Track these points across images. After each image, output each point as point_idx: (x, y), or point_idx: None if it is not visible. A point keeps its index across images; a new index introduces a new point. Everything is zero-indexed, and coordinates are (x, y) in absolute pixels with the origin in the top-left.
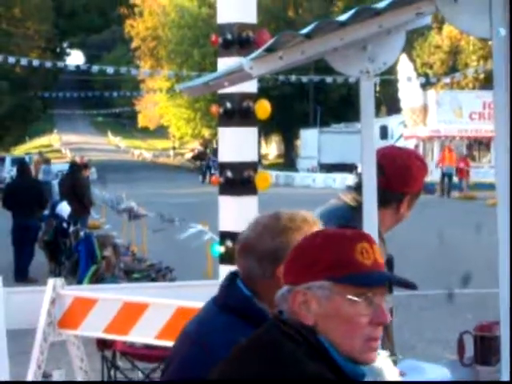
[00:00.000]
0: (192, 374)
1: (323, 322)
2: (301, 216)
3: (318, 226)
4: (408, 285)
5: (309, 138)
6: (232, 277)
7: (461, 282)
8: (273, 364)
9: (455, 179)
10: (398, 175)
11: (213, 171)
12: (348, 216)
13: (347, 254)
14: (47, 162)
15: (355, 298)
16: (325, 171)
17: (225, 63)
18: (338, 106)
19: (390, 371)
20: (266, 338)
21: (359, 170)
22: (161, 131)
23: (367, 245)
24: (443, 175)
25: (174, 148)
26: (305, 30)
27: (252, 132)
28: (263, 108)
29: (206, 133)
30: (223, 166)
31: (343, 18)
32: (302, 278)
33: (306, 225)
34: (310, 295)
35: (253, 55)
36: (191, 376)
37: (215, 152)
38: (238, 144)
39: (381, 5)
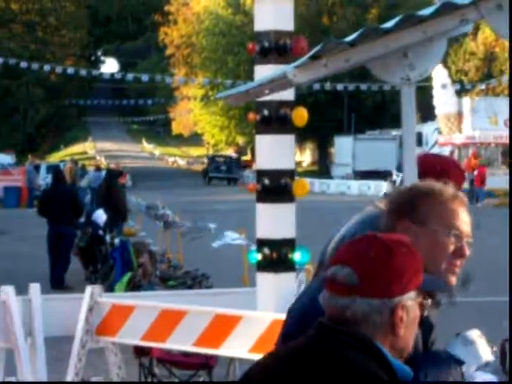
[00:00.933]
0: (292, 334)
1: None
2: (439, 185)
3: (456, 200)
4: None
5: (343, 145)
6: None
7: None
8: (340, 372)
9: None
10: (439, 182)
11: (211, 174)
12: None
13: (420, 264)
14: (98, 168)
15: (422, 301)
16: (359, 178)
17: (262, 71)
18: (373, 113)
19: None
20: (324, 347)
21: (394, 177)
22: (195, 138)
23: None
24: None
25: (207, 155)
26: (349, 38)
27: (289, 139)
28: (300, 115)
29: (241, 140)
30: (260, 174)
31: (388, 25)
32: (405, 289)
33: (438, 194)
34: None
35: (297, 63)
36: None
37: (213, 157)
38: (275, 151)
39: (425, 12)
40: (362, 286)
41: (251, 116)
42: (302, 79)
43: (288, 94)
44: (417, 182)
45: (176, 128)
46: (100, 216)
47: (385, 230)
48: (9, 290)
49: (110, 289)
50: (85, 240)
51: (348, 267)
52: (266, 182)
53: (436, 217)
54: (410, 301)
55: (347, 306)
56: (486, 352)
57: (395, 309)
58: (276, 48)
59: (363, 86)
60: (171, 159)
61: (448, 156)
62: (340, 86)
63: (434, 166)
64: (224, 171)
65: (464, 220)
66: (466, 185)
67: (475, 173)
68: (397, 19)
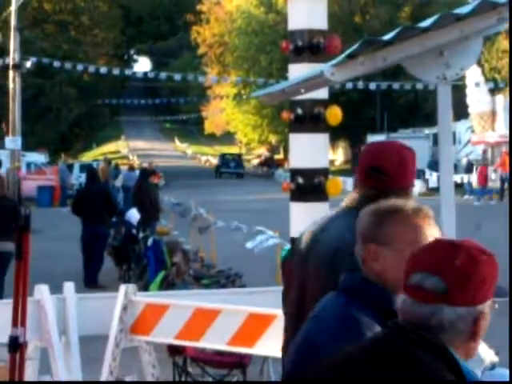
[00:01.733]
0: (309, 346)
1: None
2: (400, 203)
3: (421, 216)
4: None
5: None
6: (352, 267)
7: None
8: (411, 372)
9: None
10: (400, 172)
11: (222, 170)
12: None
13: (496, 272)
14: (131, 168)
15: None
16: None
17: (296, 69)
18: (405, 112)
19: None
20: (400, 347)
21: (427, 175)
22: (227, 137)
23: None
24: (502, 180)
25: (240, 154)
26: (387, 37)
27: (323, 138)
28: (334, 114)
29: (273, 139)
30: (294, 173)
31: (425, 24)
32: (481, 298)
33: (401, 212)
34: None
35: (334, 61)
36: (308, 349)
37: (223, 155)
38: (309, 150)
39: (462, 10)
40: (450, 294)
41: (285, 115)
42: (339, 77)
43: (322, 93)
44: (379, 203)
45: (208, 127)
46: (133, 215)
47: (361, 263)
48: (43, 289)
49: (145, 288)
50: (118, 239)
51: (436, 276)
52: (300, 181)
53: (400, 235)
54: (488, 308)
55: (433, 313)
56: (488, 354)
57: (478, 317)
58: (310, 47)
59: (396, 85)
60: (204, 158)
61: (391, 141)
62: (373, 85)
63: (389, 157)
64: (232, 167)
65: (430, 234)
66: (497, 183)
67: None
68: (434, 18)
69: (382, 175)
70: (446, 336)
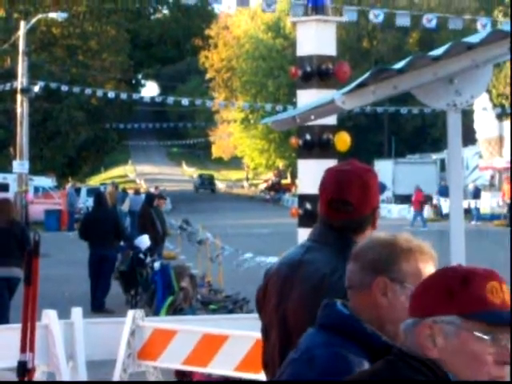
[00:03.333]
0: None
1: (448, 357)
2: (416, 242)
3: (432, 258)
4: None
5: (383, 169)
6: (329, 301)
7: None
8: None
9: None
10: (364, 199)
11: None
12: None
13: (478, 292)
14: (137, 192)
15: (484, 336)
16: (399, 202)
17: (304, 95)
18: (413, 137)
19: None
20: (394, 373)
21: (434, 201)
22: (235, 162)
23: (497, 284)
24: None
25: (247, 179)
26: (398, 65)
27: (331, 164)
28: (343, 140)
29: (281, 163)
30: (302, 199)
31: (436, 52)
32: (430, 311)
33: (418, 251)
34: (437, 329)
35: (345, 90)
36: None
37: (200, 175)
38: (317, 176)
39: (474, 39)
40: None
41: (293, 141)
42: (350, 105)
43: (330, 119)
44: (392, 235)
45: (216, 151)
46: (144, 241)
47: (360, 288)
48: (51, 314)
49: (154, 315)
50: (126, 264)
51: None
52: (308, 206)
53: (413, 275)
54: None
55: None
56: None
57: None
58: (318, 72)
59: (403, 110)
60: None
61: (349, 164)
62: (380, 109)
63: (350, 186)
64: (207, 184)
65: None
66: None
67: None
68: (445, 47)
69: (347, 206)
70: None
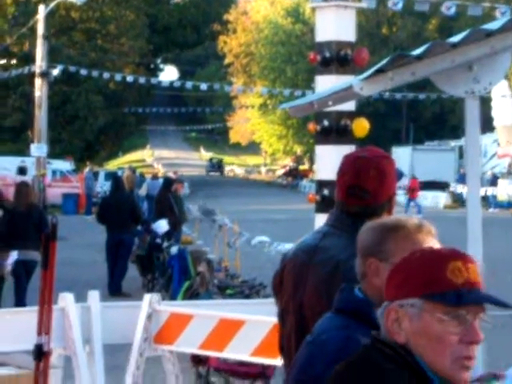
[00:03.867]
0: (312, 371)
1: (414, 340)
2: (405, 219)
3: (424, 233)
4: (503, 304)
5: (401, 156)
6: (346, 286)
7: None
8: None
9: None
10: (380, 186)
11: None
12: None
13: (438, 273)
14: (155, 176)
15: (443, 317)
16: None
17: (323, 81)
18: (431, 124)
19: None
20: (366, 359)
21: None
22: (252, 147)
23: (461, 264)
24: None
25: (265, 164)
26: (416, 52)
27: (349, 150)
28: (361, 126)
29: (298, 149)
30: (320, 184)
31: (454, 39)
32: (396, 295)
33: (405, 228)
34: (402, 313)
35: (363, 76)
36: (311, 373)
37: (211, 159)
38: (334, 162)
39: (492, 26)
40: None
41: (311, 127)
42: (368, 91)
43: (349, 105)
44: (383, 219)
45: (234, 137)
46: (162, 226)
47: (360, 275)
48: (68, 297)
49: (172, 299)
50: (143, 248)
51: None
52: (326, 192)
53: (402, 251)
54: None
55: None
56: None
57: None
58: (337, 58)
59: (422, 96)
60: (228, 168)
61: (366, 151)
62: (399, 96)
63: (367, 173)
64: (216, 168)
65: None
66: None
67: None
68: (464, 33)
69: (363, 193)
70: None
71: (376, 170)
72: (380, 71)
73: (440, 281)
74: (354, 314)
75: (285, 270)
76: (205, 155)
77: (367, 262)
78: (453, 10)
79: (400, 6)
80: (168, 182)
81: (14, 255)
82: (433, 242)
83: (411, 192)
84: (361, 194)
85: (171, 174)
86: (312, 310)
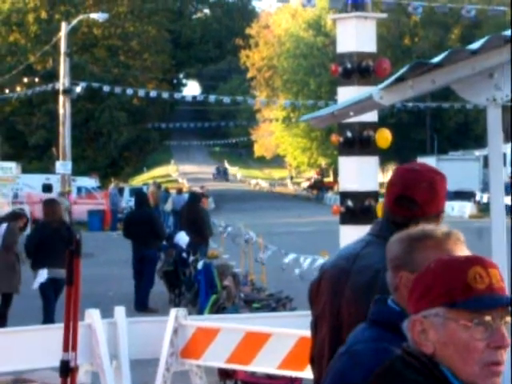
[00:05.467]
0: (345, 381)
1: (441, 349)
2: (430, 228)
3: (451, 240)
4: None
5: None
6: (380, 297)
7: None
8: None
9: None
10: (430, 199)
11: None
12: None
13: (459, 280)
14: (180, 191)
15: (468, 324)
16: None
17: (345, 92)
18: (455, 134)
19: None
20: (391, 369)
21: (477, 197)
22: (277, 160)
23: (481, 269)
24: None
25: (291, 177)
26: (436, 59)
27: (373, 161)
28: (384, 137)
29: (323, 162)
30: (344, 196)
31: (474, 46)
32: (419, 306)
33: (429, 238)
34: (428, 323)
35: (383, 85)
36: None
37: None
38: (358, 173)
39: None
40: None
41: (334, 138)
42: (388, 101)
43: (371, 116)
44: (409, 229)
45: (258, 150)
46: (182, 238)
47: (393, 290)
48: (94, 313)
49: (199, 314)
50: (169, 263)
51: None
52: (350, 203)
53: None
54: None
55: None
56: None
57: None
58: (359, 69)
59: (445, 106)
60: (253, 181)
61: (420, 165)
62: (422, 106)
63: (418, 185)
64: (222, 174)
65: None
66: None
67: None
68: (483, 40)
69: (412, 204)
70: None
71: (428, 184)
72: (400, 80)
73: (462, 288)
74: (388, 326)
75: (323, 278)
76: (230, 169)
77: (398, 274)
78: (473, 13)
79: (420, 10)
80: (195, 197)
81: (43, 274)
82: (462, 250)
83: None
84: (409, 204)
85: (198, 189)
86: (348, 317)
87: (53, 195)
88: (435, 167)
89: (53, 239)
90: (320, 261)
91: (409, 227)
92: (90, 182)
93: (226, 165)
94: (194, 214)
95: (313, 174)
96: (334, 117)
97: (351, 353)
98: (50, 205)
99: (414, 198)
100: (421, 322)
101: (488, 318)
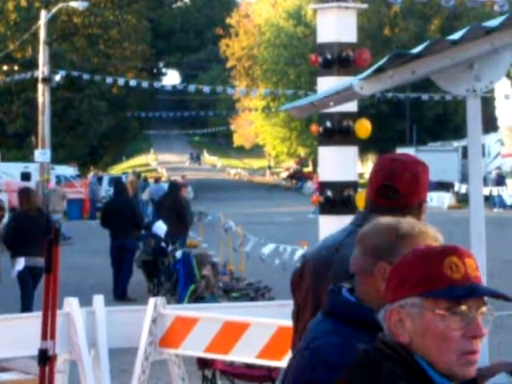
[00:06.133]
0: (309, 377)
1: (418, 339)
2: (419, 226)
3: (435, 243)
4: (503, 297)
5: None
6: (334, 287)
7: None
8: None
9: None
10: (413, 189)
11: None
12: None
13: (435, 269)
14: (157, 180)
15: (444, 313)
16: None
17: (325, 82)
18: (434, 124)
19: None
20: (367, 358)
21: (456, 188)
22: (256, 150)
23: (457, 259)
24: None
25: (269, 167)
26: (416, 50)
27: (352, 151)
28: (364, 127)
29: (302, 151)
30: (323, 186)
31: (454, 37)
32: (396, 296)
33: (418, 236)
34: (404, 313)
35: (363, 75)
36: (302, 380)
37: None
38: (338, 163)
39: (492, 23)
40: None
41: (314, 128)
42: (368, 91)
43: (351, 106)
44: (400, 220)
45: (237, 140)
46: (159, 227)
47: (361, 272)
48: (73, 302)
49: (178, 303)
50: (148, 252)
51: None
52: (329, 193)
53: None
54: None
55: None
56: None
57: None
58: (339, 60)
59: (425, 97)
60: (233, 171)
61: (403, 155)
62: (401, 97)
63: (402, 175)
64: (195, 159)
65: None
66: None
67: None
68: (463, 31)
69: (394, 194)
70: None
71: (410, 174)
72: (380, 70)
73: (437, 277)
74: (343, 318)
75: (305, 267)
76: (209, 159)
77: (377, 264)
78: (452, 3)
79: (400, 0)
80: (174, 186)
81: (21, 262)
82: None
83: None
84: (392, 194)
85: (178, 178)
86: None
87: (31, 184)
88: (418, 158)
89: (30, 228)
90: (300, 251)
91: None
92: (68, 170)
93: (205, 153)
94: (174, 203)
95: (292, 164)
96: (314, 107)
97: (311, 349)
98: (24, 194)
99: (396, 188)
100: (397, 312)
101: (464, 307)
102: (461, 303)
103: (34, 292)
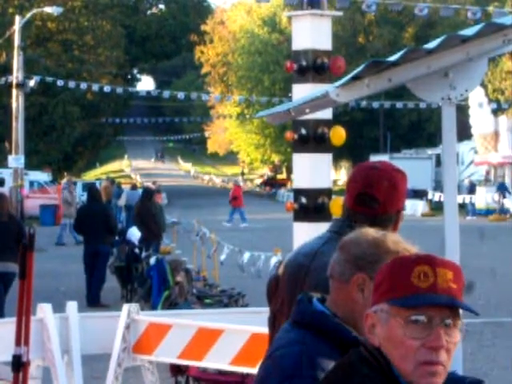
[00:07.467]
0: None
1: (384, 345)
2: (404, 245)
3: None
4: (465, 308)
5: None
6: (303, 296)
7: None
8: None
9: None
10: (391, 197)
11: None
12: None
13: (403, 278)
14: (134, 187)
15: (402, 321)
16: None
17: (300, 89)
18: (408, 132)
19: None
20: (346, 361)
21: (430, 196)
22: (230, 157)
23: (428, 268)
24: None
25: (243, 174)
26: (392, 58)
27: (326, 158)
28: (338, 134)
29: (276, 158)
30: (298, 193)
31: (430, 45)
32: (373, 301)
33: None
34: (376, 318)
35: (339, 82)
36: None
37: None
38: (312, 170)
39: (468, 32)
40: None
41: (288, 135)
42: (344, 98)
43: (326, 113)
44: (386, 234)
45: (211, 146)
46: (134, 234)
47: (338, 278)
48: (46, 308)
49: (152, 309)
50: (121, 259)
51: None
52: (304, 200)
53: None
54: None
55: None
56: None
57: None
58: (314, 67)
59: (399, 104)
60: (206, 177)
61: (382, 163)
62: (376, 104)
63: (380, 183)
64: (160, 159)
65: None
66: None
67: None
68: (439, 39)
69: (372, 201)
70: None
71: (388, 182)
72: (356, 78)
73: (404, 285)
74: (311, 327)
75: (282, 274)
76: (183, 165)
77: (356, 274)
78: (425, 12)
79: (374, 8)
80: (148, 193)
81: None
82: None
83: (234, 202)
84: (370, 202)
85: (150, 184)
86: None
87: (5, 190)
88: (397, 166)
89: (1, 233)
90: (274, 258)
91: (370, 225)
92: (42, 176)
93: (180, 160)
94: (147, 210)
95: (266, 171)
96: (290, 114)
97: (273, 358)
98: None
99: (374, 196)
100: (371, 317)
101: (422, 317)
102: (421, 312)
103: (5, 298)
